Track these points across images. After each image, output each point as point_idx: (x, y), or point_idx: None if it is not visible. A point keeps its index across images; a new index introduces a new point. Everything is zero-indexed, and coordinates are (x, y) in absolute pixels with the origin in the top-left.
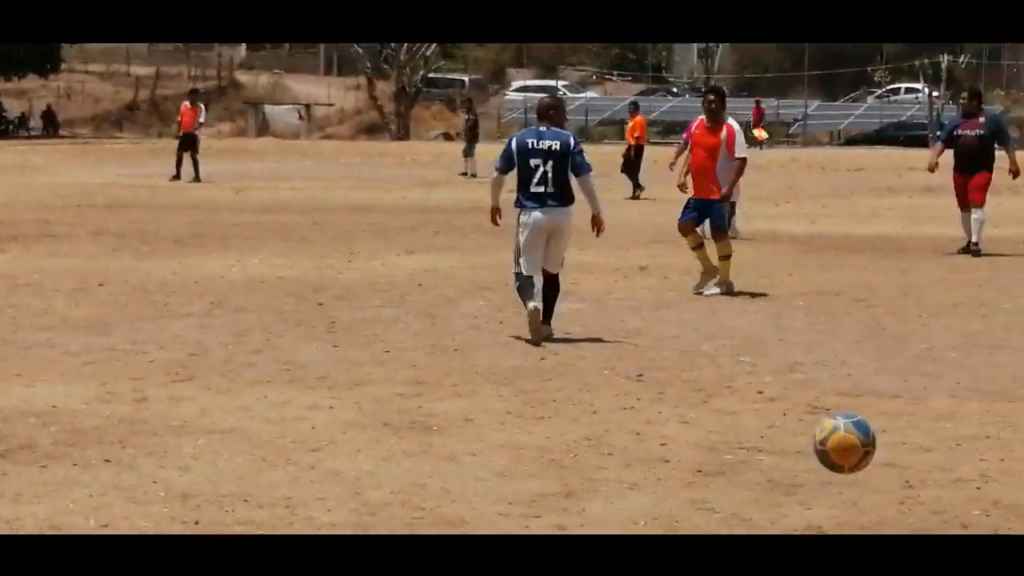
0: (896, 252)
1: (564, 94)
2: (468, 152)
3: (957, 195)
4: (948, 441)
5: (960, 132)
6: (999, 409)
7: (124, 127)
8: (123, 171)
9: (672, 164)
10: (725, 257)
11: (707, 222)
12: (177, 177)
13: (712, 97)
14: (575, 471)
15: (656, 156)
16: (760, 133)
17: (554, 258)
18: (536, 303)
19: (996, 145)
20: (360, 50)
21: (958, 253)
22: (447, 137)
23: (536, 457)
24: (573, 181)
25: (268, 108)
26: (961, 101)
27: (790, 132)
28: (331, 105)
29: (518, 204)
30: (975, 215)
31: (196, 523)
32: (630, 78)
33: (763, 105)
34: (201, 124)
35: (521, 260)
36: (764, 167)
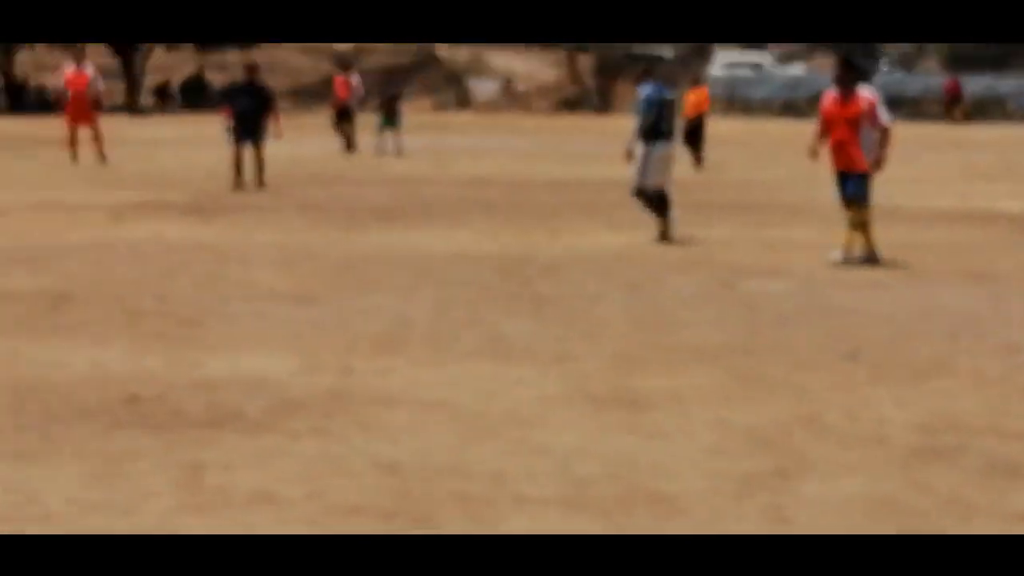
0: None
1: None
2: None
3: None
4: None
5: None
6: None
7: (325, 100)
8: (323, 144)
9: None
10: (859, 225)
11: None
12: (351, 148)
13: (839, 66)
14: (788, 450)
15: None
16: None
17: None
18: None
19: None
20: None
21: None
22: None
23: (747, 435)
24: None
25: (469, 82)
26: None
27: (1009, 110)
28: (532, 79)
29: None
30: None
31: (404, 495)
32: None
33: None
34: (357, 96)
35: None
36: (982, 144)
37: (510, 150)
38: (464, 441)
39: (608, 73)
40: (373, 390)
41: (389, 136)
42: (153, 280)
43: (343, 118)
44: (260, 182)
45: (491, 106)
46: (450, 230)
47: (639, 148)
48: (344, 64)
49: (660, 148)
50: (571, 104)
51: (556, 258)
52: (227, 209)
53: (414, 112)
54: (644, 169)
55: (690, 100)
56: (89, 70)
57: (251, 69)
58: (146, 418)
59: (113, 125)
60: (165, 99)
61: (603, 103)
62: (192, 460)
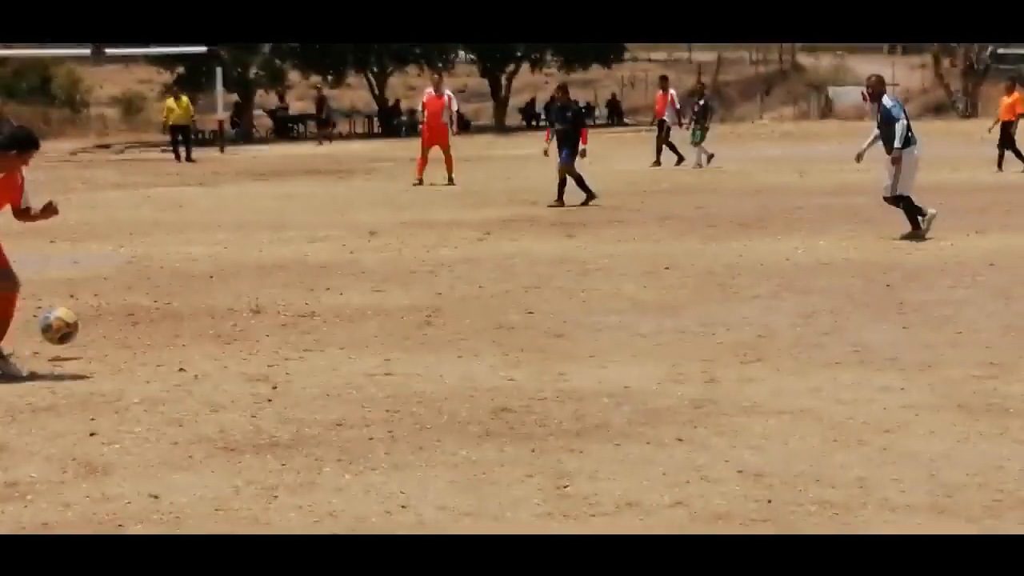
0: None
1: None
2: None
3: None
4: None
5: None
6: None
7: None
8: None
9: None
10: None
11: None
12: (656, 162)
13: None
14: None
15: None
16: None
17: None
18: None
19: None
20: None
21: None
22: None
23: None
24: None
25: (831, 90)
26: None
27: None
28: (896, 85)
29: None
30: None
31: (769, 502)
32: None
33: None
34: (677, 110)
35: None
36: None
37: (873, 157)
38: (828, 449)
39: (975, 76)
40: (737, 399)
41: (698, 149)
42: (520, 294)
43: (660, 131)
44: (559, 198)
45: (854, 113)
46: (812, 238)
47: (905, 156)
48: (661, 81)
49: (916, 152)
50: (937, 109)
51: (920, 264)
52: (590, 223)
53: (775, 121)
54: (912, 174)
55: (1004, 104)
56: (446, 94)
57: (562, 89)
58: (514, 428)
59: (482, 144)
60: (529, 117)
61: (969, 107)
62: (559, 469)
